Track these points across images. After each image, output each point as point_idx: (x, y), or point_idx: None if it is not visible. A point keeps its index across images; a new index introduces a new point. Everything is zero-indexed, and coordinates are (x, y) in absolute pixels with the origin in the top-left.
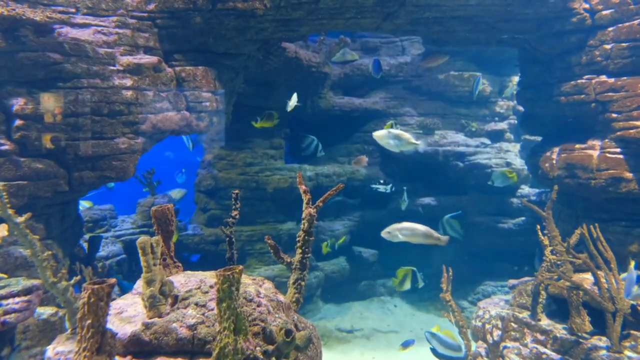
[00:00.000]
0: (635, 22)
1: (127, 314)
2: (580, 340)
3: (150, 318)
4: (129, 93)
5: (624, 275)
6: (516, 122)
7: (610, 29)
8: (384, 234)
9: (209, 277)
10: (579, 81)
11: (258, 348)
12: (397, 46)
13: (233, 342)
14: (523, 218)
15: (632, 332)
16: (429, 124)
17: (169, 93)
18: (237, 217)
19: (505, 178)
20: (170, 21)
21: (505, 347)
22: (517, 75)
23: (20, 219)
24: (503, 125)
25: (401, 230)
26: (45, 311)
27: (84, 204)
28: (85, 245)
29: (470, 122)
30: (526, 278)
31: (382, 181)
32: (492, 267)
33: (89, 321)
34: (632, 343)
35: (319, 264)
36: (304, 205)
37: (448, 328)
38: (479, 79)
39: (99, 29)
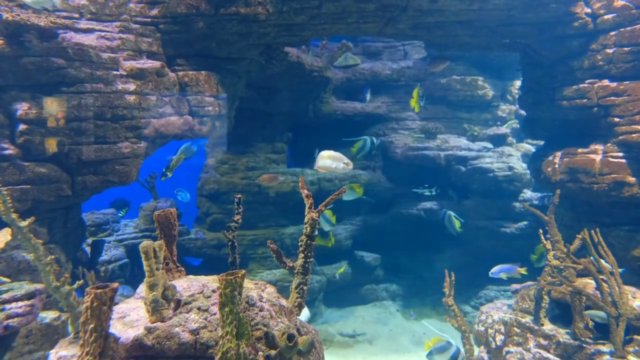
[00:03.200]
0: (637, 26)
1: (130, 318)
2: (584, 345)
3: (152, 322)
4: (132, 98)
5: None
6: (518, 126)
7: (612, 33)
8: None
9: (212, 282)
10: (581, 85)
11: (260, 353)
12: (399, 50)
13: (235, 346)
14: (525, 222)
15: (635, 337)
16: (431, 128)
17: (171, 97)
18: (240, 221)
19: (353, 192)
20: (173, 26)
21: (508, 352)
22: (519, 79)
23: (23, 223)
24: (505, 129)
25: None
26: (48, 315)
27: None
28: (88, 249)
29: (472, 127)
30: (529, 282)
31: (426, 185)
32: None
33: (92, 325)
34: (636, 348)
35: (321, 268)
36: (306, 209)
37: (448, 332)
38: None
39: (103, 34)
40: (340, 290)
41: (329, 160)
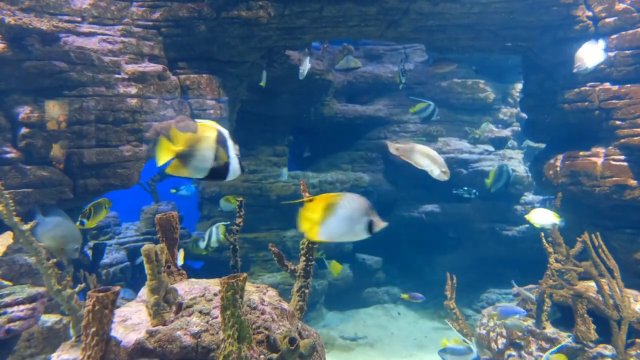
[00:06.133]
0: (639, 29)
1: (132, 321)
2: (586, 348)
3: (154, 326)
4: (133, 101)
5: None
6: (519, 129)
7: (614, 36)
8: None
9: (213, 285)
10: (582, 88)
11: (262, 356)
12: (401, 53)
13: (237, 350)
14: (527, 225)
15: (637, 340)
16: (432, 131)
17: (173, 101)
18: (241, 224)
19: (228, 203)
20: (175, 30)
21: (510, 356)
22: (520, 82)
23: (25, 227)
24: (506, 132)
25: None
26: (50, 319)
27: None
28: (90, 252)
29: (473, 129)
30: (530, 286)
31: (465, 189)
32: (496, 274)
33: (94, 329)
34: (638, 351)
35: (322, 271)
36: None
37: (451, 336)
38: None
39: (105, 37)
40: (342, 293)
41: (426, 159)
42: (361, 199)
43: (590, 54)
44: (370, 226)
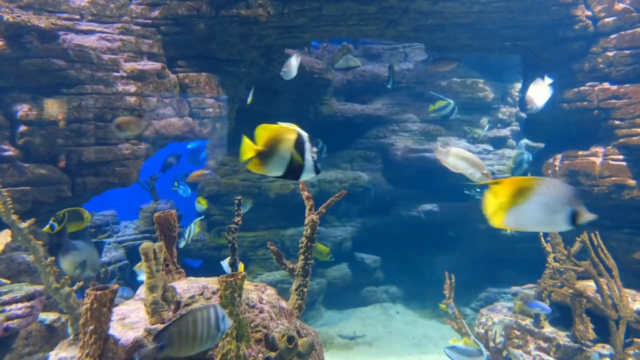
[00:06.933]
0: (638, 29)
1: (130, 320)
2: (584, 347)
3: (152, 324)
4: (132, 99)
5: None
6: (518, 128)
7: (613, 36)
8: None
9: (212, 283)
10: (581, 88)
11: (260, 355)
12: (400, 53)
13: (235, 348)
14: None
15: (635, 339)
16: (432, 130)
17: (172, 99)
18: (240, 222)
19: (200, 205)
20: (174, 28)
21: (508, 355)
22: (519, 81)
23: (24, 225)
24: (505, 131)
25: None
26: (48, 317)
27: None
28: None
29: (472, 129)
30: (529, 285)
31: (477, 190)
32: (494, 273)
33: (92, 327)
34: (636, 351)
35: (321, 271)
36: (307, 211)
37: (452, 336)
38: None
39: (104, 35)
40: (340, 292)
41: (463, 162)
42: (563, 185)
43: (539, 94)
44: (573, 217)
